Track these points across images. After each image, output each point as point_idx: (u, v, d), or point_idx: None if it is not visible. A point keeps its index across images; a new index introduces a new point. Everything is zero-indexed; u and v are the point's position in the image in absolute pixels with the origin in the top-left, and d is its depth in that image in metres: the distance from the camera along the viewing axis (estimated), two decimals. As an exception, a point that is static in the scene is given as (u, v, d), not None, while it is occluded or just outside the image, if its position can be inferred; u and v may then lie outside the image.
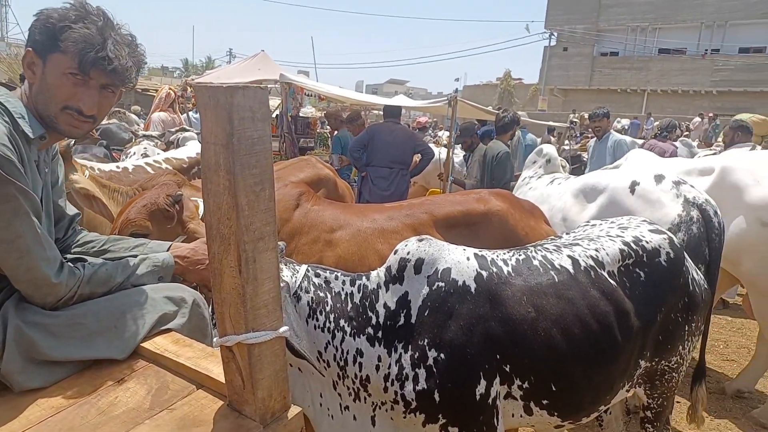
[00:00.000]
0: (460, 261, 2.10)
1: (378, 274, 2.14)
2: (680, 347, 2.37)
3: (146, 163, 4.20)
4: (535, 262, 2.17)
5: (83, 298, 1.46)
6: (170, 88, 7.79)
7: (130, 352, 1.45)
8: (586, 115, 18.11)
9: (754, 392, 4.21)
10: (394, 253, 2.13)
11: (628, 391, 2.35)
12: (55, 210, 1.62)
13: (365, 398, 2.13)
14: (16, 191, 1.26)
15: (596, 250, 2.24)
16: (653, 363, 2.33)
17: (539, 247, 2.28)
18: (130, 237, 1.86)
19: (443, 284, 2.04)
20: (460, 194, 3.04)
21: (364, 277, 2.15)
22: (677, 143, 8.14)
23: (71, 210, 1.73)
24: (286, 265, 2.10)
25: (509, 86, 37.88)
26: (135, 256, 1.65)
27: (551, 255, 2.21)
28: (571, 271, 2.16)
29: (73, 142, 3.19)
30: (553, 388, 2.09)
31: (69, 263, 1.46)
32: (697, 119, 18.41)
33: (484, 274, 2.08)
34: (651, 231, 2.33)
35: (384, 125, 6.14)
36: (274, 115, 8.63)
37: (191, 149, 4.66)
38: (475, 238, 2.69)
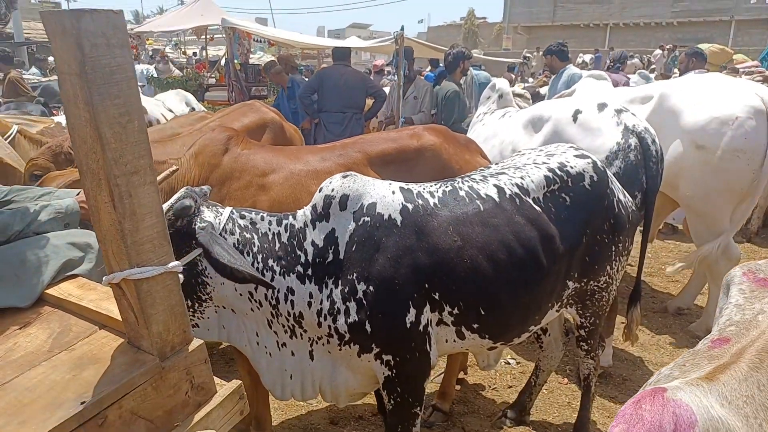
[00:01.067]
0: (385, 195, 2.10)
1: (304, 213, 2.13)
2: (608, 267, 2.45)
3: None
4: (462, 193, 2.19)
5: (-22, 247, 1.43)
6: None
7: (33, 300, 1.43)
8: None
9: (693, 308, 4.44)
10: (319, 191, 2.12)
11: (558, 311, 2.45)
12: None
13: (301, 334, 2.17)
14: None
15: (521, 177, 2.27)
16: (582, 284, 2.42)
17: (466, 178, 2.30)
18: (32, 182, 1.81)
19: (369, 219, 2.05)
20: (394, 131, 3.02)
21: (290, 217, 2.15)
22: (635, 75, 8.17)
23: None
24: (208, 207, 2.07)
25: (473, 26, 37.20)
26: (36, 204, 1.60)
27: (477, 185, 2.24)
28: (497, 199, 2.19)
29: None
30: (482, 312, 2.15)
31: None
32: (658, 51, 18.45)
33: (410, 206, 2.09)
34: (576, 156, 2.37)
35: (333, 69, 5.97)
36: (222, 63, 8.35)
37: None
38: (410, 175, 2.69)
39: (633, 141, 3.01)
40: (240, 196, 2.60)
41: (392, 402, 2.20)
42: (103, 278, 1.16)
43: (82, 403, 1.07)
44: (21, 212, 1.53)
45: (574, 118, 3.32)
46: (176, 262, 1.19)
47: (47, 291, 1.45)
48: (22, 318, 1.39)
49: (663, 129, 3.66)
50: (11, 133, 3.14)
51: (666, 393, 1.14)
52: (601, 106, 3.26)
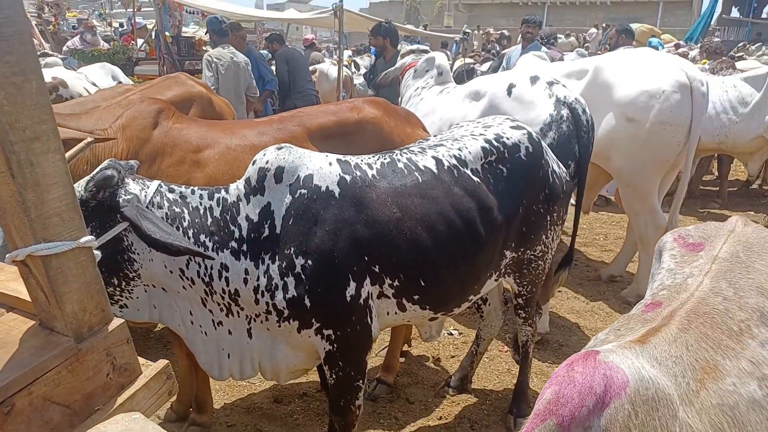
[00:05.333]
0: (322, 167, 2.05)
1: (237, 187, 2.06)
2: (543, 237, 2.51)
3: None
4: (400, 165, 2.17)
5: None
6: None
7: (-68, 284, 1.30)
8: (491, 30, 18.18)
9: (625, 275, 4.66)
10: (253, 164, 2.04)
11: (496, 280, 2.49)
12: None
13: (238, 312, 2.11)
14: None
15: (459, 149, 2.27)
16: (519, 253, 2.47)
17: (405, 150, 2.28)
18: None
19: (306, 191, 2.00)
20: (334, 104, 2.95)
21: (222, 191, 2.07)
22: (573, 53, 8.37)
23: None
24: (134, 180, 1.96)
25: (415, 2, 37.06)
26: None
27: (416, 157, 2.22)
28: (435, 171, 2.18)
29: None
30: (422, 283, 2.16)
31: None
32: (593, 30, 19.01)
33: (348, 178, 2.05)
34: (512, 127, 2.39)
35: (294, 51, 5.94)
36: (152, 36, 7.91)
37: (46, 73, 4.17)
38: (351, 148, 2.64)
39: (565, 112, 3.08)
40: (173, 173, 2.47)
41: (334, 376, 2.19)
42: (6, 256, 1.07)
43: (-16, 391, 0.98)
44: None
45: (509, 92, 3.37)
46: (89, 237, 1.10)
47: (-53, 274, 1.33)
48: None
49: (597, 102, 3.77)
50: None
51: (598, 356, 1.17)
52: (534, 79, 3.32)
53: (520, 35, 6.41)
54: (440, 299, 2.27)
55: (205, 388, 2.75)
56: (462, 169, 2.23)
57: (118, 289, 2.00)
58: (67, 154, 1.87)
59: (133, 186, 1.93)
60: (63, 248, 1.04)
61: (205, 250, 1.98)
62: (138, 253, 1.93)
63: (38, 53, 6.27)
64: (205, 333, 2.16)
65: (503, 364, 3.49)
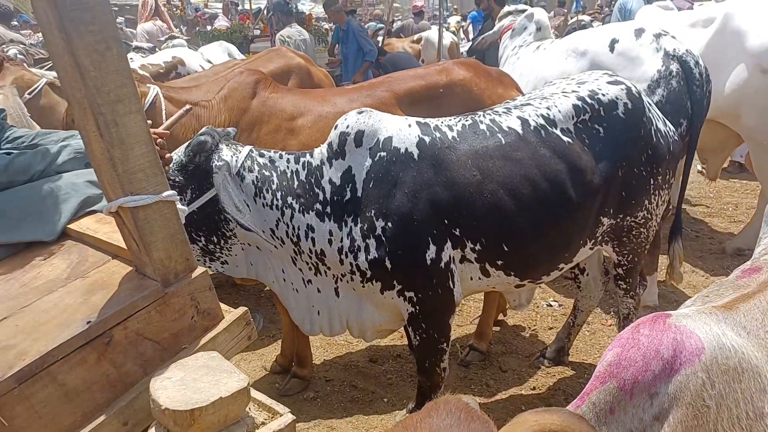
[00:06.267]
0: (401, 129, 2.06)
1: (321, 151, 2.13)
2: (646, 202, 2.32)
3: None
4: (482, 126, 2.11)
5: (3, 186, 1.52)
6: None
7: (57, 234, 1.52)
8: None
9: (753, 249, 4.16)
10: (335, 129, 2.10)
11: (591, 248, 2.35)
12: None
13: (325, 271, 2.21)
14: None
15: (548, 108, 2.15)
16: (618, 219, 2.31)
17: (489, 112, 2.20)
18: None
19: (385, 154, 2.03)
20: (423, 68, 2.92)
21: (308, 155, 2.15)
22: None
23: None
24: (227, 145, 2.11)
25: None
26: (58, 144, 1.68)
27: (499, 118, 2.14)
28: (520, 131, 2.09)
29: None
30: (506, 248, 2.11)
31: None
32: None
33: (427, 139, 2.04)
34: (609, 83, 2.21)
35: (400, 57, 6.09)
36: (265, 13, 8.32)
37: (166, 53, 4.57)
38: (440, 112, 2.61)
39: (674, 66, 2.84)
40: (269, 140, 2.62)
41: (417, 338, 2.23)
42: (103, 208, 1.21)
43: (87, 323, 1.14)
44: (42, 152, 1.62)
45: (611, 48, 3.13)
46: (170, 191, 1.22)
47: (69, 226, 1.54)
48: (47, 251, 1.49)
49: (726, 53, 3.38)
50: (38, 87, 3.26)
51: (668, 319, 1.08)
52: (639, 32, 3.06)
53: None
54: (526, 265, 2.20)
55: (305, 344, 2.92)
56: (550, 129, 2.12)
57: (218, 246, 2.19)
58: (167, 122, 2.06)
59: (225, 152, 2.08)
60: (147, 201, 1.16)
61: (292, 212, 2.09)
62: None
63: (166, 36, 6.89)
64: (296, 290, 2.30)
65: (605, 338, 3.31)
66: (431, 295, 2.12)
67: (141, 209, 1.17)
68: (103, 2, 1.02)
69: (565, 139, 2.12)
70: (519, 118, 2.13)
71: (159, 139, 1.56)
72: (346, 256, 2.10)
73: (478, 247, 2.10)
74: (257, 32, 8.49)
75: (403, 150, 2.02)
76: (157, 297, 1.22)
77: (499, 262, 2.15)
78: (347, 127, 2.07)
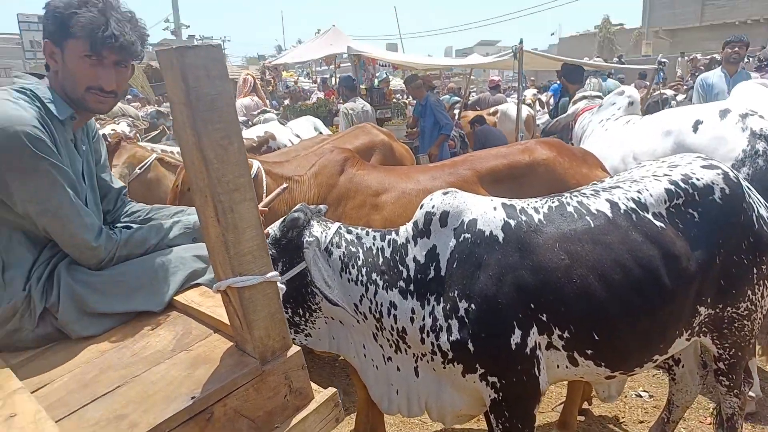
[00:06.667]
0: (486, 211, 2.08)
1: (406, 229, 2.18)
2: (749, 292, 2.17)
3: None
4: (569, 209, 2.09)
5: (122, 258, 1.66)
6: (247, 74, 8.23)
7: (165, 305, 1.63)
8: (699, 56, 16.29)
9: None
10: (420, 208, 2.15)
11: (688, 340, 2.21)
12: (101, 184, 1.84)
13: (406, 350, 2.20)
14: (49, 166, 1.47)
15: (638, 191, 2.10)
16: (717, 310, 2.17)
17: (575, 193, 2.19)
18: (188, 192, 2.08)
19: (470, 235, 2.04)
20: (505, 147, 2.96)
21: (393, 232, 2.20)
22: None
23: (117, 183, 1.95)
24: (318, 222, 2.21)
25: (609, 33, 35.23)
26: (170, 220, 1.83)
27: (587, 200, 2.12)
28: (610, 215, 2.05)
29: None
30: (596, 337, 2.02)
31: (107, 229, 1.66)
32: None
33: (512, 222, 2.04)
34: (703, 167, 2.14)
35: (491, 130, 6.37)
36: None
37: (260, 129, 4.92)
38: (523, 191, 2.62)
39: (761, 146, 2.81)
40: (354, 215, 2.72)
41: (500, 427, 2.14)
42: (213, 286, 1.30)
43: (192, 398, 1.19)
44: (156, 228, 1.77)
45: (695, 129, 3.14)
46: (274, 272, 1.29)
47: (175, 298, 1.64)
48: (154, 321, 1.59)
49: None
50: (147, 162, 3.60)
51: None
52: (724, 113, 3.07)
53: (723, 59, 5.71)
54: (617, 356, 2.09)
55: (379, 421, 2.88)
56: (641, 213, 2.06)
57: (303, 319, 2.24)
58: (267, 199, 2.20)
59: (316, 228, 2.18)
60: (253, 281, 1.24)
61: (376, 288, 2.13)
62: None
63: (259, 110, 7.43)
64: (376, 366, 2.29)
65: (704, 437, 3.03)
66: (515, 381, 2.05)
67: (247, 289, 1.25)
68: (230, 103, 1.15)
69: (658, 223, 2.05)
70: (608, 200, 2.09)
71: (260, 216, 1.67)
72: (428, 335, 2.08)
73: (566, 334, 2.02)
74: (340, 106, 9.00)
75: (488, 232, 2.03)
76: (255, 374, 1.27)
77: (589, 352, 2.05)
78: (433, 207, 2.11)
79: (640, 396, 3.47)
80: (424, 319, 2.08)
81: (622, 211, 2.06)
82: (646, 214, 2.05)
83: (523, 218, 2.05)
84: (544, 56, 7.75)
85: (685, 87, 10.83)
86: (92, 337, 1.57)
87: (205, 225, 1.23)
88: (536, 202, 2.14)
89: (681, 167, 2.17)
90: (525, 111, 8.67)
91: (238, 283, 1.22)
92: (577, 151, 2.90)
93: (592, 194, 2.14)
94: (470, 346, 2.01)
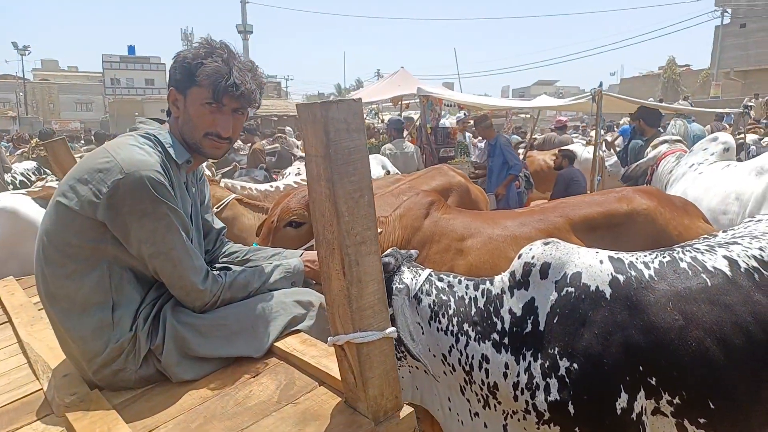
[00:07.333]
0: (591, 264, 1.96)
1: (502, 279, 2.09)
2: None
3: (295, 182, 4.60)
4: (683, 265, 1.95)
5: (226, 302, 1.65)
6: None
7: (265, 351, 1.60)
8: (768, 99, 15.58)
9: None
10: (518, 258, 2.06)
11: (814, 414, 1.99)
12: (204, 224, 1.86)
13: (495, 406, 2.08)
14: (167, 210, 1.49)
15: (761, 248, 1.94)
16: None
17: (688, 248, 2.04)
18: (286, 228, 2.11)
19: (573, 289, 1.93)
20: (599, 194, 2.83)
21: (488, 282, 2.12)
22: None
23: (218, 224, 1.97)
24: (408, 268, 2.15)
25: (674, 74, 34.33)
26: (270, 263, 1.82)
27: (702, 256, 1.97)
28: (728, 273, 1.90)
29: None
30: (711, 406, 1.84)
31: (213, 272, 1.66)
32: None
33: (621, 278, 1.92)
34: (834, 224, 1.96)
35: (575, 172, 6.62)
36: (414, 128, 8.89)
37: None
38: (619, 242, 2.49)
39: None
40: (438, 259, 2.65)
41: (598, 496, 1.97)
42: (329, 339, 1.25)
43: (307, 458, 1.14)
44: (258, 271, 1.76)
45: None
46: (392, 328, 1.23)
47: (275, 344, 1.61)
48: (254, 367, 1.56)
49: None
50: (225, 201, 3.69)
51: None
52: None
53: None
54: (734, 427, 1.89)
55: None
56: (764, 272, 1.90)
57: (388, 367, 2.17)
58: None
59: (407, 275, 2.11)
60: (373, 337, 1.19)
61: (467, 339, 2.03)
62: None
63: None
64: (462, 422, 2.17)
65: None
66: (618, 448, 1.89)
67: (365, 345, 1.20)
68: (364, 156, 1.12)
69: (783, 284, 1.88)
70: (726, 257, 1.94)
71: None
72: (522, 393, 1.96)
73: (676, 400, 1.86)
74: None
75: (593, 287, 1.91)
76: (369, 436, 1.21)
77: (701, 420, 1.87)
78: (533, 257, 2.02)
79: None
80: (518, 376, 1.96)
81: (742, 269, 1.90)
82: (769, 274, 1.89)
83: (633, 273, 1.93)
84: (624, 99, 7.56)
85: (762, 131, 10.33)
86: (192, 381, 1.56)
87: (327, 277, 1.19)
88: (645, 256, 2.01)
89: (807, 224, 1.99)
90: (591, 152, 8.46)
91: (358, 339, 1.17)
92: (678, 201, 2.74)
93: (707, 249, 1.99)
94: (570, 407, 1.88)
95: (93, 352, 1.52)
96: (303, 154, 7.54)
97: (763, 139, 7.49)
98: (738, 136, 7.37)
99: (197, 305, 1.61)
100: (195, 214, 1.75)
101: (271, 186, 4.54)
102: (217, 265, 1.89)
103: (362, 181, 1.12)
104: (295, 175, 5.76)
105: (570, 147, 8.63)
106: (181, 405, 1.45)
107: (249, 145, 8.78)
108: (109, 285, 1.53)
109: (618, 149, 8.73)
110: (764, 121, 11.94)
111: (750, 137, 7.45)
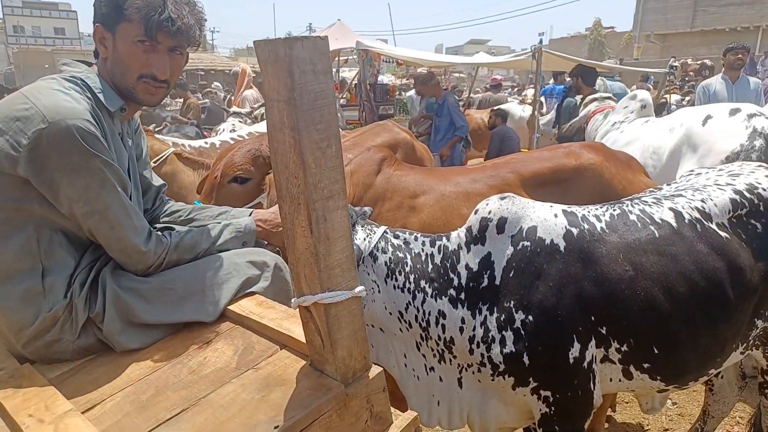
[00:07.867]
0: (546, 218, 1.97)
1: (458, 235, 2.06)
2: (806, 305, 2.10)
3: (231, 138, 4.37)
4: (632, 217, 2.00)
5: (171, 264, 1.52)
6: (243, 66, 8.04)
7: (217, 315, 1.50)
8: (690, 62, 16.43)
9: None
10: (475, 213, 2.04)
11: (742, 353, 2.14)
12: (142, 181, 1.69)
13: (450, 360, 2.09)
14: (101, 164, 1.32)
15: (702, 200, 2.02)
16: (772, 323, 2.10)
17: (636, 201, 2.10)
18: (231, 184, 1.96)
19: (529, 243, 1.93)
20: (548, 149, 2.86)
21: (444, 238, 2.09)
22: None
23: (157, 181, 1.80)
24: (362, 226, 2.08)
25: (600, 36, 35.43)
26: (219, 223, 1.69)
27: (650, 208, 2.03)
28: (674, 225, 1.97)
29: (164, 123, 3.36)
30: (656, 351, 1.94)
31: (157, 232, 1.52)
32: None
33: (574, 231, 1.94)
34: (767, 176, 2.07)
35: (509, 131, 6.63)
36: (353, 84, 8.68)
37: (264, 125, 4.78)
38: (567, 196, 2.53)
39: (759, 142, 3.04)
40: (391, 217, 2.60)
41: (548, 441, 2.04)
42: (293, 300, 1.17)
43: (275, 428, 1.07)
44: (206, 231, 1.63)
45: (704, 122, 3.43)
46: (361, 287, 1.17)
47: (228, 307, 1.51)
48: (207, 333, 1.46)
49: None
50: (164, 155, 3.45)
51: None
52: (734, 111, 3.34)
53: (725, 65, 5.71)
54: (675, 370, 2.01)
55: None
56: (706, 223, 1.98)
57: (343, 326, 2.12)
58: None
59: (360, 234, 2.05)
60: (342, 297, 1.12)
61: (424, 296, 2.02)
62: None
63: (260, 104, 7.27)
64: (417, 377, 2.18)
65: (734, 448, 2.98)
66: (570, 396, 1.96)
67: (333, 305, 1.13)
68: (331, 102, 1.02)
69: (722, 234, 1.97)
70: (672, 209, 2.01)
71: None
72: (478, 347, 1.98)
73: (624, 347, 1.94)
74: (343, 101, 8.85)
75: (548, 241, 1.92)
76: (339, 399, 1.15)
77: (646, 365, 1.97)
78: (489, 212, 2.00)
79: (665, 405, 3.40)
80: (474, 330, 1.97)
81: (686, 220, 1.97)
82: (710, 224, 1.97)
83: (586, 226, 1.96)
84: (564, 57, 7.67)
85: (681, 91, 10.88)
86: (138, 350, 1.44)
87: (292, 235, 1.10)
88: (597, 209, 2.04)
89: (744, 176, 2.09)
90: (527, 110, 8.61)
91: (327, 299, 1.10)
92: (622, 156, 2.81)
93: (654, 202, 2.05)
94: (525, 359, 1.91)
95: (21, 323, 1.36)
96: (235, 109, 7.21)
97: (684, 98, 7.88)
98: (662, 96, 7.71)
99: (140, 268, 1.47)
100: (132, 170, 1.58)
101: (206, 143, 4.28)
102: (158, 226, 1.74)
103: (329, 129, 1.02)
104: (230, 131, 5.47)
105: (505, 106, 8.74)
106: (128, 376, 1.33)
107: (179, 100, 8.27)
108: (38, 249, 1.36)
109: (548, 107, 8.94)
110: (678, 83, 12.60)
111: (674, 97, 7.82)
